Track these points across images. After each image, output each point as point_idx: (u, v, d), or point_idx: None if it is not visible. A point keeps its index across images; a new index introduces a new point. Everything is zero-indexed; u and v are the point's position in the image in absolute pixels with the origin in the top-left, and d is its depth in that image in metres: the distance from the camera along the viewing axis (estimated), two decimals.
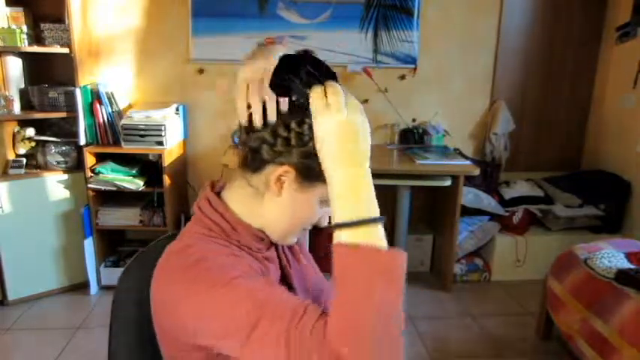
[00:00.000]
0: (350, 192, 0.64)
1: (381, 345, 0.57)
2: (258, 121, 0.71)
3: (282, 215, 0.79)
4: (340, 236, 0.62)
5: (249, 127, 0.74)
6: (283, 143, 0.73)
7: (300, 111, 0.72)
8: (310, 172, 0.74)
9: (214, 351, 0.69)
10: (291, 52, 0.78)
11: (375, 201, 0.65)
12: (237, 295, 0.65)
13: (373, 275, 0.59)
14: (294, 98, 0.72)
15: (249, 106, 0.72)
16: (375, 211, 0.64)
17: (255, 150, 0.75)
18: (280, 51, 0.75)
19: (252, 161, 0.76)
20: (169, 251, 0.76)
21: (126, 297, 0.87)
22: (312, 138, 0.71)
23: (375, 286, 0.58)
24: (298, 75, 0.71)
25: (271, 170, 0.75)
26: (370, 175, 0.66)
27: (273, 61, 0.73)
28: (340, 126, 0.66)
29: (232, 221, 0.78)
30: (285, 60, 0.73)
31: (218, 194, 0.82)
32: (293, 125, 0.72)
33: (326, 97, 0.67)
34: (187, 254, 0.73)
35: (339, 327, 0.57)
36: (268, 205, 0.78)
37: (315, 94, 0.68)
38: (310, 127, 0.71)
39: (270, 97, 0.71)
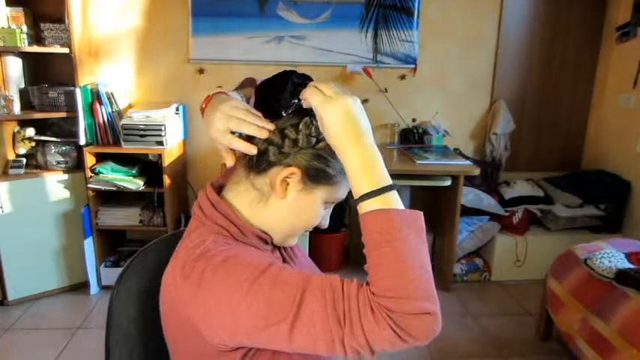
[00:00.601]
0: (368, 165, 0.68)
1: (429, 283, 0.64)
2: (265, 135, 0.74)
3: (286, 217, 0.79)
4: (367, 206, 0.67)
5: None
6: (291, 145, 0.74)
7: (305, 111, 0.73)
8: (317, 173, 0.75)
9: (256, 345, 0.69)
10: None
11: (386, 169, 0.70)
12: (277, 280, 0.66)
13: (408, 230, 0.66)
14: (284, 114, 0.74)
15: (246, 137, 0.75)
16: (389, 178, 0.69)
17: (261, 152, 0.75)
18: (222, 95, 0.80)
19: (258, 163, 0.76)
20: (185, 260, 0.72)
21: (127, 296, 0.87)
22: (320, 139, 0.72)
23: (410, 238, 0.65)
24: (284, 91, 0.73)
25: (277, 172, 0.75)
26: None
27: (232, 99, 0.77)
28: (347, 109, 0.69)
29: (240, 225, 0.78)
30: (267, 84, 0.75)
31: (218, 193, 0.82)
32: (301, 127, 0.74)
33: (321, 91, 0.70)
34: (209, 257, 0.70)
35: (387, 280, 0.62)
36: (273, 207, 0.78)
37: (311, 93, 0.70)
38: (318, 128, 0.72)
39: (256, 114, 0.75)
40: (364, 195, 0.67)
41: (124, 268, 0.90)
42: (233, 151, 0.78)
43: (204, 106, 0.82)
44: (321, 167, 0.75)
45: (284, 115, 0.74)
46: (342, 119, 0.68)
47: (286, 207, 0.78)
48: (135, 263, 0.91)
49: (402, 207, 0.68)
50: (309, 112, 0.73)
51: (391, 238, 0.64)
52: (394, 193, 0.68)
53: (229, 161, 0.79)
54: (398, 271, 0.62)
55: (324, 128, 0.70)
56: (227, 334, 0.68)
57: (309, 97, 0.70)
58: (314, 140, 0.74)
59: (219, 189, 0.84)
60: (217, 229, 0.77)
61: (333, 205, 0.84)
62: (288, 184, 0.76)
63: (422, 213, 0.69)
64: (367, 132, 0.70)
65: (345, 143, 0.68)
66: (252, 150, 0.75)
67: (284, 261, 0.86)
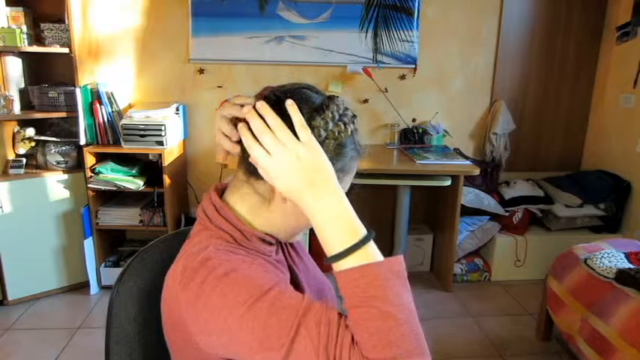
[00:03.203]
0: (339, 218, 0.65)
1: (415, 338, 0.60)
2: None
3: (289, 220, 0.79)
4: (343, 264, 0.63)
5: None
6: None
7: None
8: None
9: None
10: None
11: (357, 217, 0.65)
12: (275, 306, 0.63)
13: (388, 283, 0.61)
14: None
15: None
16: (362, 228, 0.65)
17: None
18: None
19: (256, 169, 0.74)
20: (186, 266, 0.71)
21: (127, 296, 0.87)
22: (320, 142, 0.70)
23: (397, 292, 0.61)
24: None
25: None
26: (342, 190, 0.67)
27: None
28: (297, 159, 0.65)
29: (244, 230, 0.77)
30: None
31: (220, 196, 0.81)
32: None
33: (270, 128, 0.66)
34: (209, 267, 0.68)
35: (372, 342, 0.59)
36: (275, 210, 0.77)
37: (249, 144, 0.67)
38: (319, 130, 0.70)
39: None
40: (340, 253, 0.63)
41: (124, 268, 0.89)
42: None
43: (217, 109, 0.81)
44: None
45: None
46: (296, 172, 0.64)
47: (288, 210, 0.77)
48: (135, 263, 0.90)
49: (380, 256, 0.64)
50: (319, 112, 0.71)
51: (373, 296, 0.60)
52: (370, 243, 0.64)
53: (220, 158, 0.78)
54: (383, 330, 0.59)
55: (272, 181, 0.66)
56: (221, 349, 0.68)
57: (248, 148, 0.66)
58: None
59: (222, 192, 0.83)
60: (220, 234, 0.76)
61: None
62: None
63: (402, 257, 0.65)
64: (330, 176, 0.65)
65: (306, 197, 0.64)
66: (235, 148, 0.74)
67: (288, 265, 0.85)
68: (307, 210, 0.66)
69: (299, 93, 0.73)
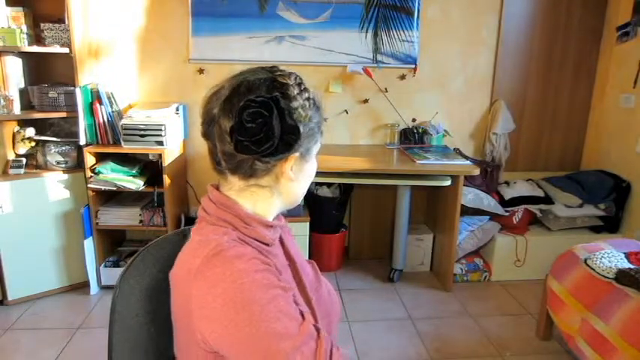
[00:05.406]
0: None
1: None
2: None
3: (302, 187, 0.85)
4: None
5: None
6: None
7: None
8: (309, 149, 0.81)
9: None
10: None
11: None
12: (280, 313, 0.69)
13: None
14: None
15: None
16: None
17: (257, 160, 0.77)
18: None
19: (253, 170, 0.78)
20: (198, 253, 0.73)
21: (129, 294, 0.88)
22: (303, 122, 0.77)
23: None
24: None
25: (279, 166, 0.79)
26: None
27: None
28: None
29: (244, 216, 0.80)
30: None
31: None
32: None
33: None
34: (228, 259, 0.71)
35: None
36: (285, 190, 0.82)
37: None
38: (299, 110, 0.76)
39: None
40: None
41: (126, 266, 0.90)
42: None
43: None
44: (310, 145, 0.81)
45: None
46: None
47: (297, 182, 0.83)
48: (137, 261, 0.91)
49: None
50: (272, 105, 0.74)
51: None
52: None
53: None
54: None
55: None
56: (215, 342, 0.70)
57: None
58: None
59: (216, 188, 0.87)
60: (222, 224, 0.79)
61: None
62: (292, 168, 0.80)
63: None
64: None
65: None
66: None
67: (286, 253, 0.89)
68: None
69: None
